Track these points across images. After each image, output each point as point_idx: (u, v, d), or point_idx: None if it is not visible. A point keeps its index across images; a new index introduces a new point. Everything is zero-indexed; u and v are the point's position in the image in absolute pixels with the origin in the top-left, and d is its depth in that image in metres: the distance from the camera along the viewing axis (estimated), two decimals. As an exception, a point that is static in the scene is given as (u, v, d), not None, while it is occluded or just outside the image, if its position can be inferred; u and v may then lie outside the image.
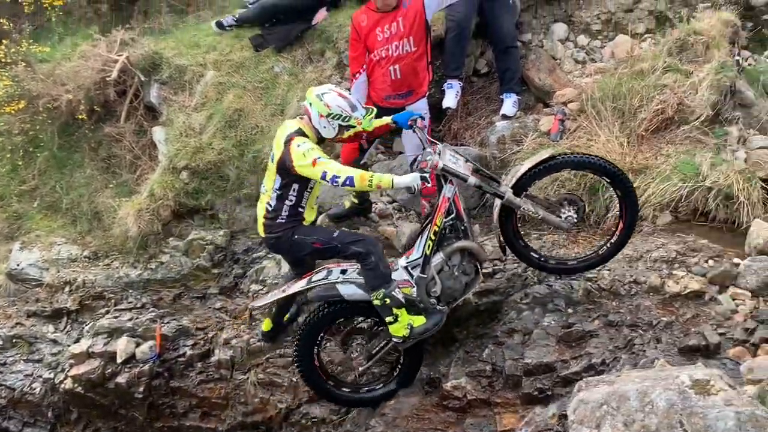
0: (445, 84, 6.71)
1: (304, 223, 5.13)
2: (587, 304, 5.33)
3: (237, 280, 6.58)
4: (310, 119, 4.96)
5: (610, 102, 6.37)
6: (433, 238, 5.02)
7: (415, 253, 5.12)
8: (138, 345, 6.29)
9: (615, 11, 7.49)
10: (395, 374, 5.50)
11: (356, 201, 6.29)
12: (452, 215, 5.06)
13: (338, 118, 4.90)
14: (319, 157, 4.71)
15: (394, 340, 5.13)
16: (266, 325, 5.99)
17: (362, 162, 6.05)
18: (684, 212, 5.89)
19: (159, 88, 7.18)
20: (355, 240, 5.02)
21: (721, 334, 4.86)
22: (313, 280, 5.17)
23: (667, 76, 6.42)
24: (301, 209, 5.08)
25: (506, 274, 5.76)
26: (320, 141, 5.03)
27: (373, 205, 6.46)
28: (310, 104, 4.94)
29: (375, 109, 5.20)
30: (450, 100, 6.70)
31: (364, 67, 5.80)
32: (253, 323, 6.21)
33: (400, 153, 6.56)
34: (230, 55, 7.18)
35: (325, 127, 4.94)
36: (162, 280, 6.64)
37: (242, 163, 6.68)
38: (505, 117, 6.79)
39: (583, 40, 7.49)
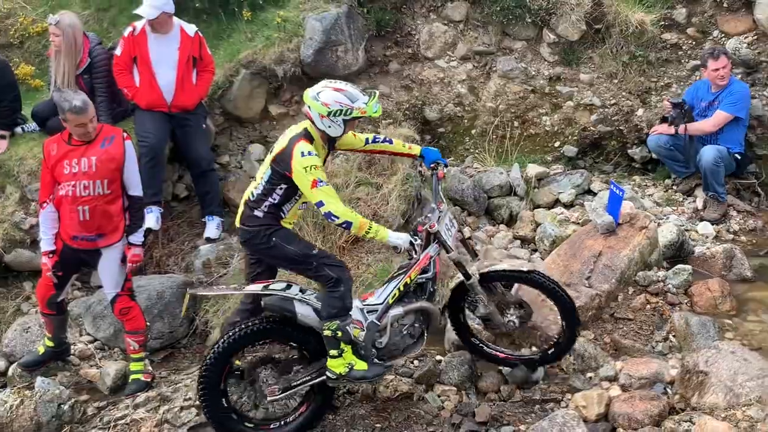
0: (145, 210, 6.50)
1: (284, 224, 4.80)
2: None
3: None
4: (313, 122, 4.69)
5: (311, 218, 6.57)
6: (401, 289, 4.93)
7: (376, 299, 4.97)
8: None
9: (308, 131, 7.85)
10: (295, 417, 5.03)
11: (52, 344, 5.75)
12: (427, 274, 5.01)
13: (340, 114, 4.62)
14: (320, 180, 4.55)
15: (328, 374, 4.76)
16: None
17: (60, 299, 5.64)
18: (387, 316, 6.14)
19: None
20: (333, 264, 4.78)
21: (431, 433, 5.06)
22: (270, 287, 4.81)
23: (360, 189, 6.83)
24: (282, 213, 4.78)
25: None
26: (330, 141, 4.81)
27: (72, 346, 5.96)
28: (309, 107, 4.66)
29: (377, 92, 4.94)
30: (150, 224, 6.50)
31: (52, 197, 5.44)
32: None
33: (99, 287, 6.15)
34: None
35: (330, 126, 4.67)
36: None
37: None
38: (209, 240, 6.79)
39: (280, 159, 7.72)
